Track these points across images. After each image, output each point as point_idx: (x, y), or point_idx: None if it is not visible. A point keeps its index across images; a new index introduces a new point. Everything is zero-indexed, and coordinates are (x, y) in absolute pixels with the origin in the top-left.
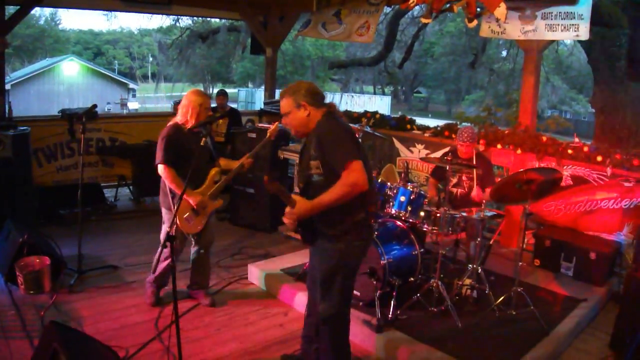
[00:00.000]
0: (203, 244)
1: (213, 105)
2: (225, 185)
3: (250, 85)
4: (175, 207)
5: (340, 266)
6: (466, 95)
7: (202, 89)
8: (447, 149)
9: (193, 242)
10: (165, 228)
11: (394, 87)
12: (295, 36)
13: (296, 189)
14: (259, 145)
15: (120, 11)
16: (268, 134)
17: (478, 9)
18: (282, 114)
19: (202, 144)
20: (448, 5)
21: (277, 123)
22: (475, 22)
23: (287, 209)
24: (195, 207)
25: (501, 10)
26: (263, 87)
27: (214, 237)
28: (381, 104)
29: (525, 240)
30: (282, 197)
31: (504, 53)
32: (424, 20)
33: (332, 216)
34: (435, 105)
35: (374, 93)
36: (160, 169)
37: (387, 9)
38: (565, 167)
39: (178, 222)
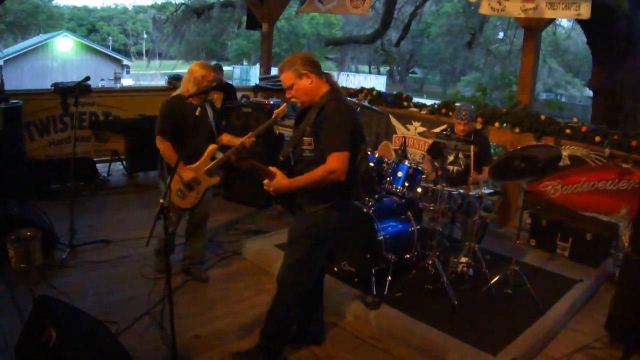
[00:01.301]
0: (197, 219)
1: None
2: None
3: (245, 62)
4: (169, 179)
5: (313, 230)
6: (462, 77)
7: (208, 63)
8: (444, 127)
9: (188, 217)
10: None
11: (389, 66)
12: (295, 14)
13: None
14: (264, 124)
15: None
16: (274, 114)
17: None
18: (286, 87)
19: (197, 113)
20: None
21: (285, 104)
22: None
23: (265, 181)
24: (185, 182)
25: None
26: (258, 64)
27: (208, 213)
28: (376, 84)
29: (522, 219)
30: (259, 171)
31: (501, 34)
32: None
33: (313, 195)
34: (430, 86)
35: (370, 72)
36: (158, 140)
37: None
38: (563, 147)
39: (172, 196)
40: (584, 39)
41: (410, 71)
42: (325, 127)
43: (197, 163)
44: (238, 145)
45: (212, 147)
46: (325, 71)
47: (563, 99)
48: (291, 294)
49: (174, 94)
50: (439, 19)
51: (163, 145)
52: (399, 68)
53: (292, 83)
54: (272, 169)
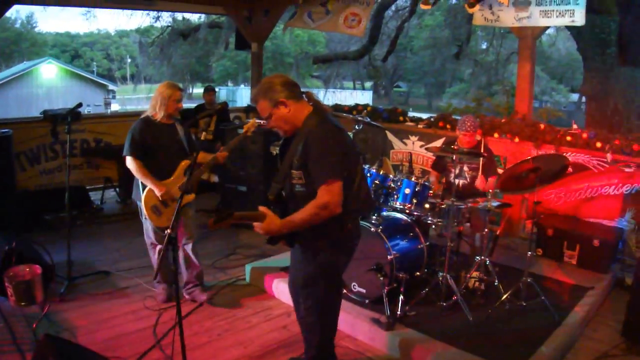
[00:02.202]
0: (183, 240)
1: (200, 102)
2: (201, 179)
3: (230, 83)
4: (176, 207)
5: (323, 268)
6: (447, 88)
7: (175, 82)
8: (442, 140)
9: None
10: (148, 225)
11: (378, 81)
12: (283, 29)
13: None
14: (235, 139)
15: (102, 7)
16: (245, 129)
17: None
18: (263, 118)
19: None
20: None
21: (254, 119)
22: (477, 7)
23: (256, 224)
24: (160, 197)
25: None
26: (242, 85)
27: (194, 233)
28: (362, 99)
29: (526, 229)
30: (246, 220)
31: (484, 45)
32: (423, 7)
33: (314, 232)
34: (415, 99)
35: (354, 88)
36: (127, 161)
37: None
38: (564, 154)
39: (145, 213)
40: (567, 46)
41: (395, 85)
42: (311, 156)
43: (171, 179)
44: (210, 161)
45: (184, 163)
46: (305, 89)
47: (548, 105)
48: (321, 336)
49: (143, 115)
50: (422, 32)
51: (135, 164)
52: (384, 82)
53: (269, 113)
54: (262, 209)
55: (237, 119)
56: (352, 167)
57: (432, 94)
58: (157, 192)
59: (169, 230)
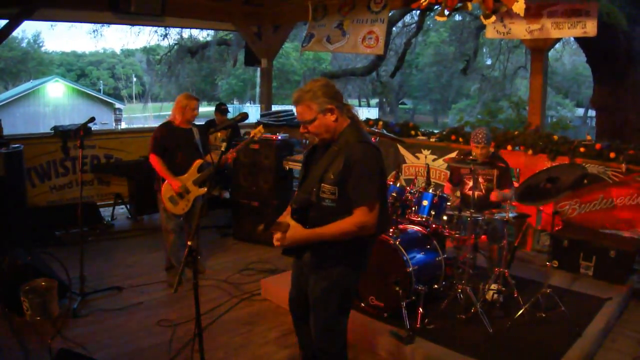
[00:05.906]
0: (190, 226)
1: (208, 119)
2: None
3: (236, 101)
4: (195, 222)
5: (336, 285)
6: (453, 104)
7: (192, 94)
8: (455, 153)
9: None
10: (165, 215)
11: (386, 97)
12: (300, 51)
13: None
14: (244, 142)
15: (112, 24)
16: (252, 134)
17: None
18: (304, 121)
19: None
20: (461, 4)
21: (261, 125)
22: (493, 18)
23: (278, 235)
24: (175, 190)
25: (520, 5)
26: (249, 103)
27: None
28: (368, 116)
29: (540, 241)
30: (274, 229)
31: (489, 61)
32: (438, 18)
33: (331, 247)
34: (420, 116)
35: (359, 105)
36: (150, 158)
37: None
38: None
39: (165, 203)
40: (572, 60)
41: (400, 102)
42: (353, 175)
43: (186, 175)
44: (220, 160)
45: (197, 161)
46: (345, 102)
47: (554, 121)
48: (336, 352)
49: (165, 121)
50: (427, 49)
51: (155, 161)
52: (389, 99)
53: (314, 117)
54: (287, 218)
55: (247, 135)
56: (383, 191)
57: (437, 111)
58: (173, 186)
59: (189, 242)
